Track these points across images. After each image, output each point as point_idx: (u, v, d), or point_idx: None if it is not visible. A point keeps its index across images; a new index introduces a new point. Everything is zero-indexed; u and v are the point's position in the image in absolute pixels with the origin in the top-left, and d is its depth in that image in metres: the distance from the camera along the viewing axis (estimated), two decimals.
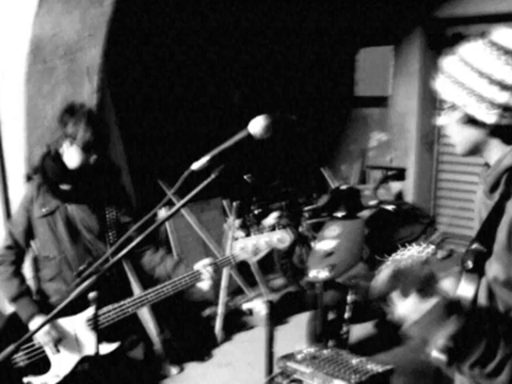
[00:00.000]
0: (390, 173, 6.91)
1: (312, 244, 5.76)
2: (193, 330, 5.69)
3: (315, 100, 8.18)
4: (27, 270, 3.62)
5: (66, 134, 3.25)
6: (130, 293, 3.55)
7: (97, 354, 2.73)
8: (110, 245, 3.39)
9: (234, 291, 6.42)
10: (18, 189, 4.20)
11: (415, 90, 7.34)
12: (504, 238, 1.67)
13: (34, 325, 3.22)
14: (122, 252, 2.01)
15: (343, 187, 5.44)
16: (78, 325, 3.25)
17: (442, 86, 1.83)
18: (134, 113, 6.38)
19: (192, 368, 5.22)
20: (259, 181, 6.51)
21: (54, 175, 3.32)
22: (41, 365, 3.24)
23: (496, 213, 1.73)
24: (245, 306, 6.19)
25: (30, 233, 3.40)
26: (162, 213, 5.27)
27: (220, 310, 5.82)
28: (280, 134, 2.06)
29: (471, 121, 1.77)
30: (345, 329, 4.74)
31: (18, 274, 3.38)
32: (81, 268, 2.95)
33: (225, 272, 5.92)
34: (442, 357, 1.59)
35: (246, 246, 3.16)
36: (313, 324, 4.80)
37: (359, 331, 5.31)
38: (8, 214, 4.30)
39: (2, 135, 4.32)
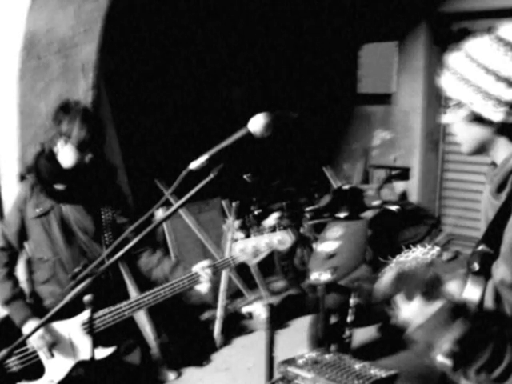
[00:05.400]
0: (393, 172, 6.85)
1: (313, 245, 5.74)
2: (191, 334, 5.66)
3: (317, 97, 8.16)
4: (20, 272, 3.58)
5: (60, 133, 3.23)
6: (126, 296, 3.54)
7: (92, 358, 2.78)
8: (105, 246, 3.37)
9: (234, 294, 6.38)
10: (12, 189, 4.18)
11: (420, 87, 7.32)
12: (511, 240, 1.65)
13: (27, 329, 3.18)
14: (118, 254, 2.01)
15: (346, 187, 5.41)
16: (72, 329, 3.21)
17: (447, 82, 1.81)
18: (131, 110, 6.37)
19: (190, 373, 5.18)
20: (259, 180, 6.49)
21: (48, 175, 3.30)
22: (34, 370, 3.20)
23: (503, 213, 1.71)
24: (244, 310, 6.15)
25: (23, 234, 3.38)
26: (160, 213, 5.24)
27: (219, 313, 5.79)
28: (281, 132, 2.02)
29: (477, 119, 1.75)
30: (347, 333, 4.70)
31: (10, 276, 3.35)
32: (76, 270, 2.88)
33: (224, 274, 5.89)
34: (448, 361, 1.57)
35: (245, 247, 3.11)
36: (314, 328, 4.76)
37: (362, 335, 5.27)
38: (1, 215, 4.28)
39: None
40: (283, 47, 7.90)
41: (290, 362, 3.38)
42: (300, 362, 3.39)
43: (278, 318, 5.10)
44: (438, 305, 1.59)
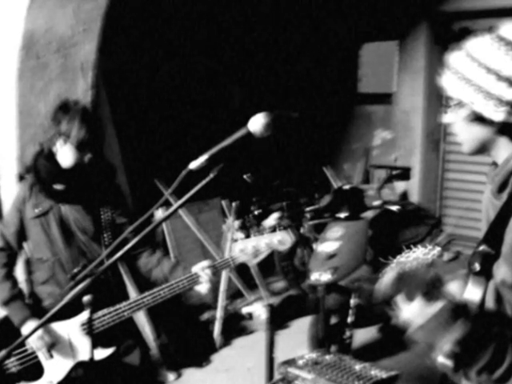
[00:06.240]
0: (394, 172, 6.85)
1: (314, 246, 5.72)
2: (191, 335, 5.65)
3: (317, 97, 8.15)
4: (19, 272, 3.57)
5: (59, 132, 3.22)
6: (125, 296, 3.52)
7: (91, 359, 2.74)
8: (105, 246, 3.36)
9: (234, 294, 6.37)
10: (11, 189, 4.17)
11: (420, 86, 7.30)
12: None
13: (26, 329, 3.16)
14: (118, 254, 2.00)
15: (346, 187, 5.41)
16: (72, 329, 3.19)
17: (448, 82, 1.80)
18: (130, 110, 6.36)
19: (190, 374, 5.17)
20: (259, 180, 6.48)
21: (47, 175, 3.29)
22: (33, 371, 3.18)
23: (504, 213, 1.71)
24: (244, 310, 6.14)
25: (22, 234, 3.36)
26: (159, 213, 5.22)
27: (219, 313, 5.77)
28: (281, 132, 2.02)
29: (478, 118, 1.75)
30: (348, 333, 4.69)
31: (9, 276, 3.34)
32: (75, 270, 2.88)
33: (224, 275, 5.87)
34: (449, 362, 1.56)
35: (245, 247, 3.11)
36: (315, 328, 4.75)
37: (363, 336, 5.26)
38: (0, 215, 4.25)
39: None
40: (284, 46, 7.88)
41: (291, 362, 3.37)
42: (300, 362, 3.38)
43: (278, 319, 5.08)
44: (438, 305, 1.58)
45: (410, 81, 7.39)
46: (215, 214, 6.69)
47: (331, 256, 4.58)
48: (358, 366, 3.30)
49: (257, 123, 1.95)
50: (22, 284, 3.49)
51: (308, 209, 6.19)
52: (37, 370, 3.18)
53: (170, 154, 6.28)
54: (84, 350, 3.18)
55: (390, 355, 4.84)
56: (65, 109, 3.24)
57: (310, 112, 7.95)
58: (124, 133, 5.81)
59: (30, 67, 4.07)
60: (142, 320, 4.99)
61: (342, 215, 4.96)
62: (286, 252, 5.95)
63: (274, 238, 3.11)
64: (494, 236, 1.70)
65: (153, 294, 3.12)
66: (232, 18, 7.31)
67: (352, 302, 4.69)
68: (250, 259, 3.17)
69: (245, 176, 6.24)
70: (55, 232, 3.30)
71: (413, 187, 7.45)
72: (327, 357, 3.47)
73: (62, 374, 3.19)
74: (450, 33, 7.07)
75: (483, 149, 1.81)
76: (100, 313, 3.08)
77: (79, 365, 3.21)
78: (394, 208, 5.44)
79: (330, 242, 4.70)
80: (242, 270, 6.10)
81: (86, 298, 2.34)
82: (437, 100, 7.09)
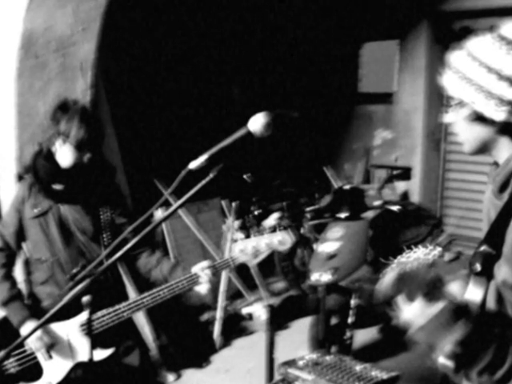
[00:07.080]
0: (395, 172, 6.86)
1: (314, 246, 5.71)
2: (190, 336, 5.65)
3: (317, 96, 8.15)
4: (18, 273, 3.56)
5: (58, 132, 3.22)
6: (125, 297, 3.51)
7: (91, 360, 2.70)
8: (104, 247, 3.36)
9: (233, 295, 6.36)
10: (9, 189, 4.16)
11: (421, 86, 7.31)
12: None
13: (25, 330, 3.16)
14: (117, 254, 2.01)
15: (346, 187, 5.40)
16: (71, 330, 3.19)
17: (449, 81, 1.79)
18: (130, 109, 6.36)
19: (189, 375, 5.16)
20: (259, 180, 6.47)
21: (46, 175, 3.29)
22: (33, 371, 3.18)
23: (505, 214, 1.70)
24: (244, 311, 6.13)
25: (21, 234, 3.36)
26: (159, 214, 5.22)
27: (219, 314, 5.77)
28: (281, 132, 2.01)
29: (479, 118, 1.74)
30: (348, 334, 4.68)
31: (8, 277, 3.33)
32: (74, 271, 2.90)
33: (223, 275, 5.86)
34: (450, 363, 1.56)
35: (245, 248, 3.10)
36: (315, 329, 4.74)
37: (363, 336, 5.24)
38: None
39: None
40: (283, 46, 7.88)
41: (291, 363, 3.36)
42: (300, 363, 3.37)
43: (278, 319, 5.07)
44: (439, 306, 1.58)
45: (411, 80, 7.39)
46: (215, 214, 6.69)
47: (331, 256, 4.57)
48: (358, 367, 3.29)
49: (257, 123, 1.95)
50: (21, 284, 3.48)
51: (308, 209, 6.19)
52: (36, 371, 3.17)
53: (169, 154, 6.28)
54: (83, 350, 3.17)
55: (391, 356, 4.81)
56: (64, 108, 3.24)
57: (310, 112, 7.94)
58: (123, 133, 5.81)
59: (29, 67, 4.07)
60: (141, 320, 4.98)
61: (343, 215, 4.96)
62: (286, 252, 5.94)
63: (274, 239, 3.10)
64: (495, 236, 1.69)
65: (152, 295, 3.11)
66: (232, 17, 7.30)
67: (352, 302, 4.69)
68: (249, 259, 3.16)
69: (245, 176, 6.23)
70: (54, 232, 3.29)
71: (413, 187, 7.45)
72: (327, 357, 3.46)
73: (61, 374, 3.19)
74: (450, 32, 7.07)
75: (484, 149, 1.81)
76: (99, 313, 3.08)
77: (78, 365, 3.21)
78: (395, 208, 5.44)
79: (331, 243, 4.70)
80: (241, 270, 6.08)
81: (86, 299, 2.33)
82: (438, 99, 7.10)
